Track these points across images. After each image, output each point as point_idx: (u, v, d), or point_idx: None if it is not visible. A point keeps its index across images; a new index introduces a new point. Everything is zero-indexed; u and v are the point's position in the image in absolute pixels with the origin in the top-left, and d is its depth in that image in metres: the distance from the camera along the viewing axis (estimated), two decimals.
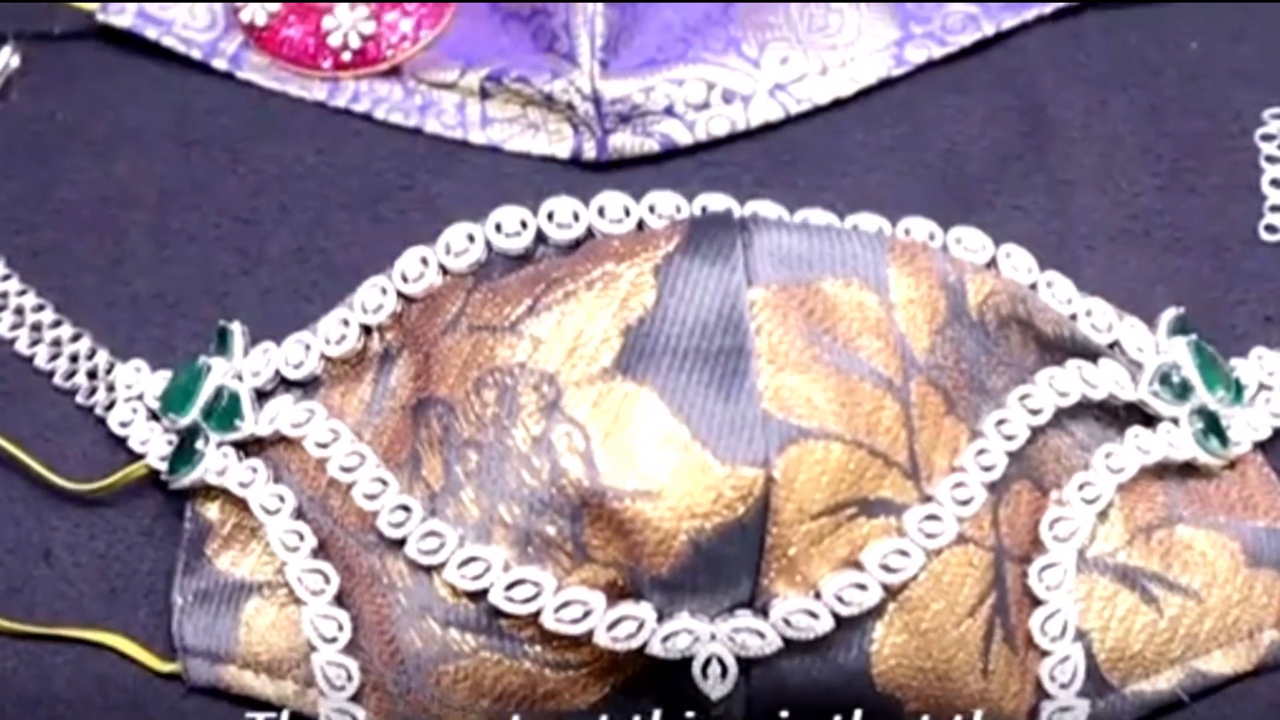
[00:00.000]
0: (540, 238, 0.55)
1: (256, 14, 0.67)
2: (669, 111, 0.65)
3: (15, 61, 0.68)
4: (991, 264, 0.57)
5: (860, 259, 0.53)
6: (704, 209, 0.55)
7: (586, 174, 0.66)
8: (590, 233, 0.55)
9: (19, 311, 0.62)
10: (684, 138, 0.65)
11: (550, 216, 0.55)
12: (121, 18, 0.68)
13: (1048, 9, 0.69)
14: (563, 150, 0.65)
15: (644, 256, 0.52)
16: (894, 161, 0.66)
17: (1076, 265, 0.63)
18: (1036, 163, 0.66)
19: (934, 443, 0.52)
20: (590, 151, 0.65)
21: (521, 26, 0.66)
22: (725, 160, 0.66)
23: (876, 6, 0.68)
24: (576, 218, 0.55)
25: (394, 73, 0.67)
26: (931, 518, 0.51)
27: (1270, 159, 0.66)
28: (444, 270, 0.55)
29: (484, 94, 0.66)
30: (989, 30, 0.68)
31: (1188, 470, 0.57)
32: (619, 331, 0.51)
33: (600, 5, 0.64)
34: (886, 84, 0.68)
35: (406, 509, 0.52)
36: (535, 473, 0.50)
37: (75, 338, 0.62)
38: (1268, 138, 0.66)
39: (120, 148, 0.66)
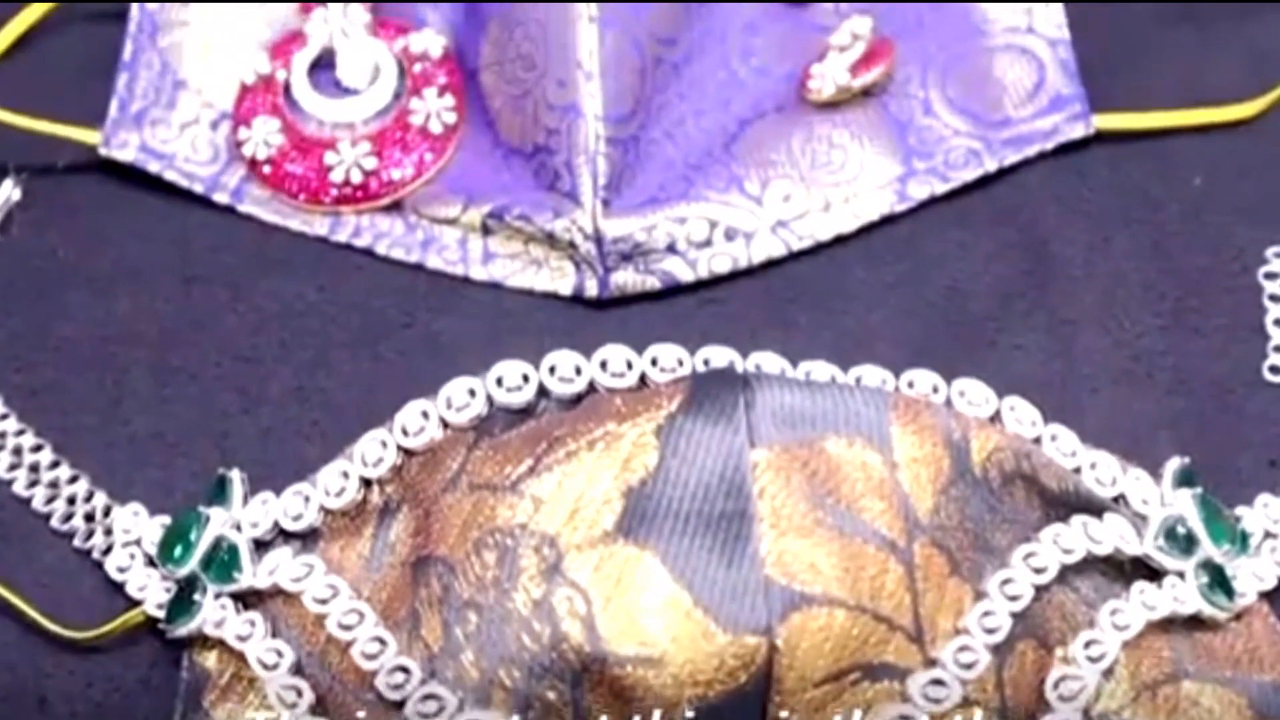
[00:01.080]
0: (542, 391, 0.55)
1: (259, 148, 0.67)
2: (671, 249, 0.65)
3: (17, 194, 0.68)
4: (995, 417, 0.56)
5: (863, 417, 0.52)
6: (706, 362, 0.55)
7: (589, 311, 0.66)
8: (593, 386, 0.55)
9: (17, 452, 0.62)
10: (686, 275, 0.65)
11: (552, 370, 0.55)
12: (124, 151, 0.68)
13: (1050, 145, 0.68)
14: (565, 287, 0.65)
15: (646, 416, 0.51)
16: (896, 299, 0.66)
17: (1079, 408, 0.63)
18: (1039, 301, 0.66)
19: (938, 605, 0.51)
20: (592, 289, 0.65)
21: (524, 163, 0.66)
22: (727, 297, 0.66)
23: (879, 142, 0.68)
24: (579, 371, 0.55)
25: (396, 207, 0.67)
26: (936, 682, 0.51)
27: (1274, 298, 0.65)
28: (445, 424, 0.55)
29: (486, 230, 0.66)
30: (991, 166, 0.68)
31: (1193, 623, 0.57)
32: (620, 494, 0.50)
33: (603, 145, 0.64)
34: (889, 220, 0.68)
35: (405, 670, 0.52)
36: (536, 636, 0.50)
37: (73, 479, 0.61)
38: (1271, 276, 0.66)
39: (121, 284, 0.66)
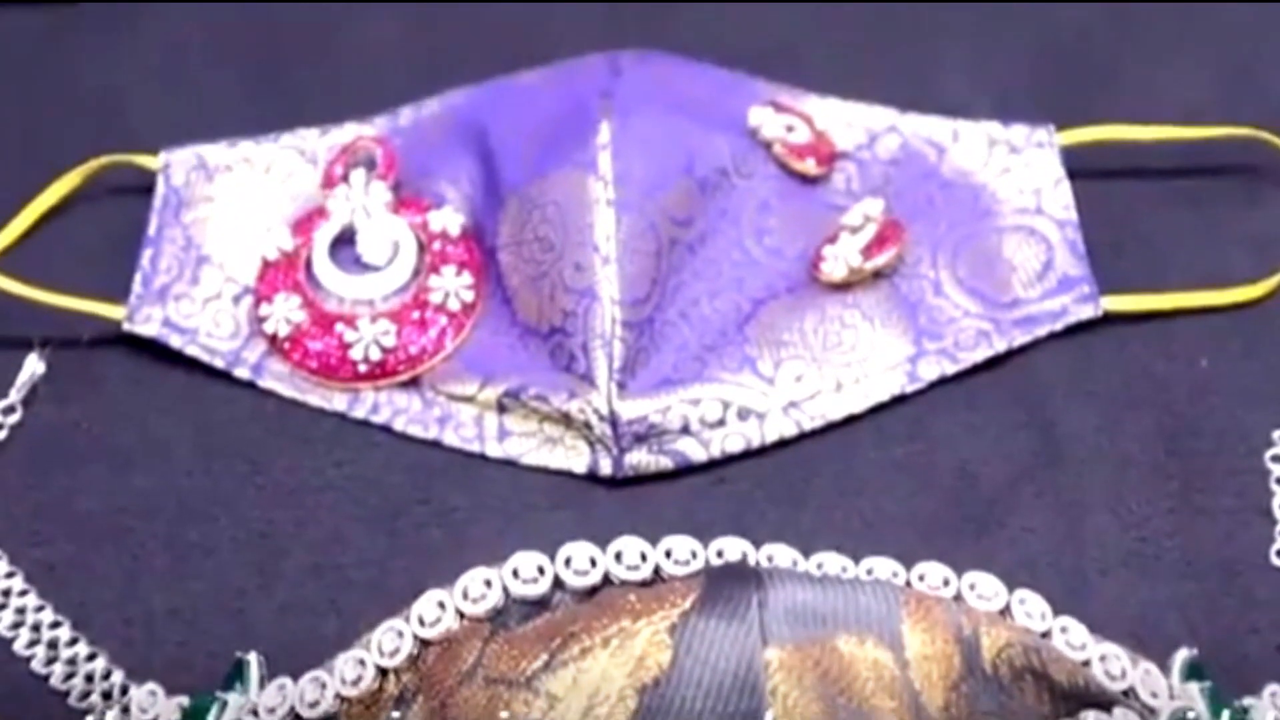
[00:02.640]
0: (557, 583, 0.56)
1: (280, 325, 0.68)
2: (685, 430, 0.66)
3: (41, 368, 0.69)
4: (1005, 610, 0.57)
5: (874, 614, 0.53)
6: (720, 553, 0.56)
7: (603, 489, 0.66)
8: (607, 578, 0.56)
9: (35, 628, 0.63)
10: (699, 455, 0.66)
11: (568, 562, 0.56)
12: (147, 327, 0.69)
13: (1059, 326, 0.69)
14: (579, 466, 0.66)
15: (660, 614, 0.52)
16: (906, 479, 0.67)
17: (1088, 589, 0.63)
18: (1048, 483, 0.66)
19: None
20: (606, 468, 0.66)
21: (540, 343, 0.67)
22: (739, 476, 0.67)
23: (890, 322, 0.69)
24: (593, 563, 0.56)
25: (414, 383, 0.68)
26: None
27: None
28: (461, 615, 0.55)
29: (502, 408, 0.67)
30: (1001, 347, 0.69)
31: None
32: (635, 691, 0.51)
33: (619, 329, 0.65)
34: (900, 400, 0.68)
35: None
36: None
37: (91, 656, 0.62)
38: (1278, 459, 0.67)
39: (140, 458, 0.67)
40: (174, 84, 0.79)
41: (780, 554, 0.56)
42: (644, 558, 0.55)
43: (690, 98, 0.72)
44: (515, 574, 0.55)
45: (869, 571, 0.56)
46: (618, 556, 0.55)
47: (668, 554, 0.55)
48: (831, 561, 0.57)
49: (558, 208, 0.67)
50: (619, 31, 0.80)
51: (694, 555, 0.55)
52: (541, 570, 0.55)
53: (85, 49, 0.80)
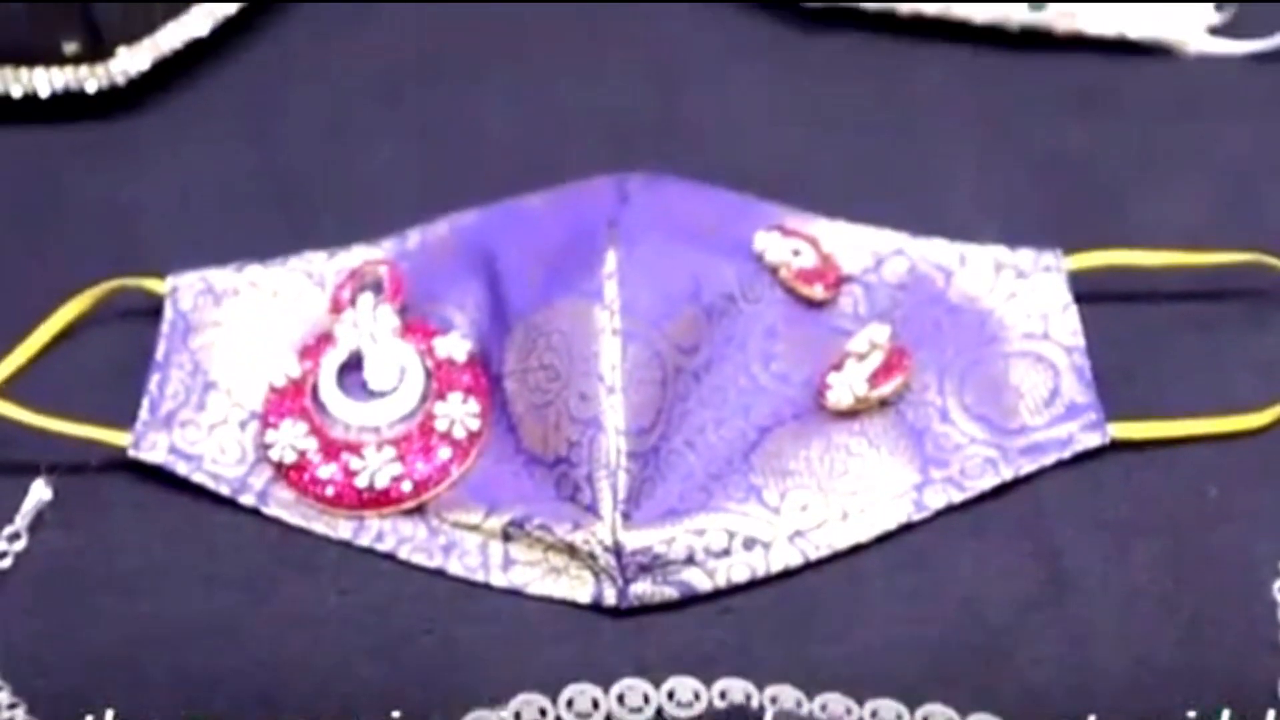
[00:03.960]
0: None
1: (285, 452, 0.68)
2: (689, 560, 0.65)
3: (48, 495, 0.69)
4: None
5: None
6: (723, 694, 0.56)
7: (607, 619, 0.66)
8: None
9: None
10: (704, 584, 0.66)
11: (570, 704, 0.55)
12: (153, 453, 0.69)
13: (1066, 454, 0.69)
14: (584, 595, 0.66)
15: None
16: (913, 610, 0.67)
17: None
18: (1055, 614, 0.66)
19: None
20: (611, 598, 0.66)
21: (545, 472, 0.67)
22: (744, 606, 0.67)
23: (897, 450, 0.69)
24: (596, 705, 0.55)
25: (419, 511, 0.68)
26: None
27: None
28: None
29: (507, 537, 0.67)
30: (1007, 475, 0.69)
31: None
32: None
33: (624, 459, 0.65)
34: (906, 528, 0.68)
35: None
36: None
37: None
38: None
39: (145, 585, 0.67)
40: (184, 205, 0.79)
41: (784, 695, 0.56)
42: (647, 699, 0.55)
43: (697, 223, 0.73)
44: (518, 717, 0.55)
45: (873, 714, 0.56)
46: (620, 699, 0.55)
47: (670, 696, 0.55)
48: (835, 703, 0.56)
49: (563, 337, 0.67)
50: (626, 151, 0.80)
51: (697, 697, 0.55)
52: (544, 712, 0.55)
53: (97, 170, 0.81)
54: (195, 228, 0.78)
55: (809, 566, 0.67)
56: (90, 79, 0.80)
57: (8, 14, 0.78)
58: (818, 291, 0.72)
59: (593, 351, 0.66)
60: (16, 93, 0.80)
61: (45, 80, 0.79)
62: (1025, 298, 0.73)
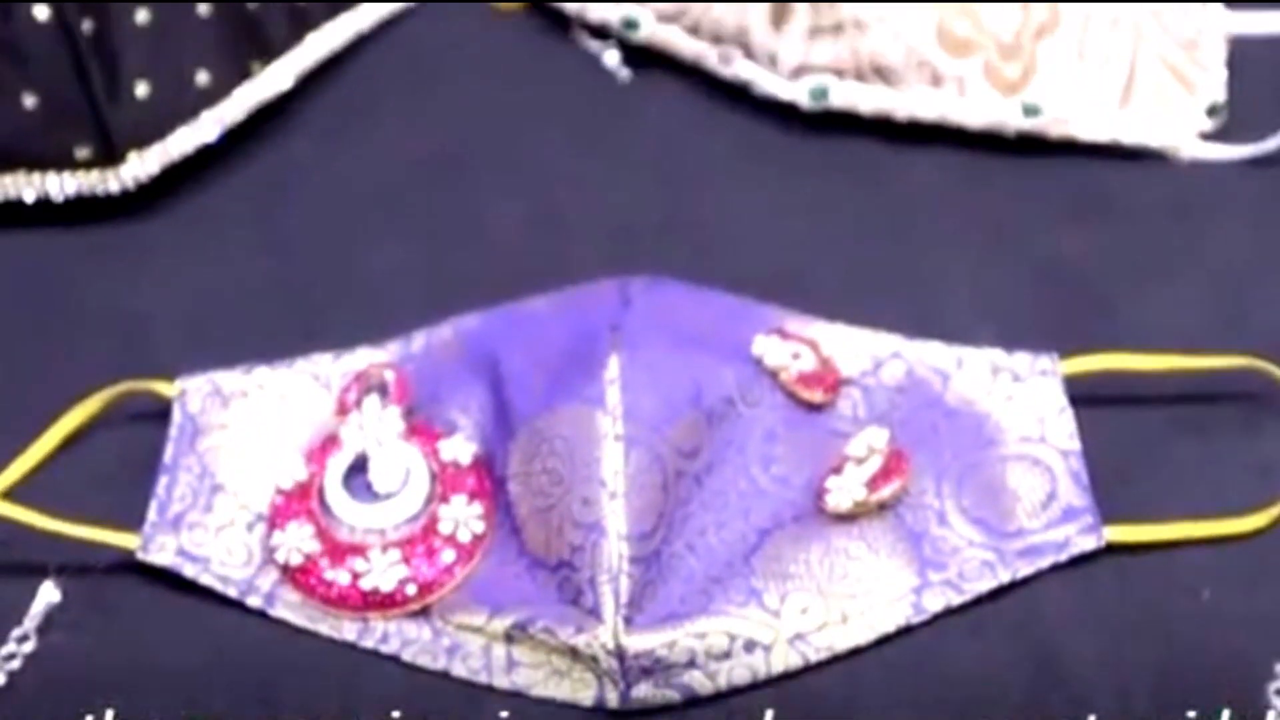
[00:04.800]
0: None
1: (292, 554, 0.69)
2: (691, 663, 0.66)
3: (56, 596, 0.69)
4: None
5: None
6: None
7: None
8: None
9: None
10: (705, 687, 0.67)
11: None
12: (161, 555, 0.70)
13: (1063, 557, 0.70)
14: (586, 698, 0.67)
15: None
16: (913, 712, 0.68)
17: None
18: (1052, 715, 0.67)
19: None
20: (613, 701, 0.66)
21: (548, 575, 0.68)
22: (745, 707, 0.68)
23: (895, 553, 0.70)
24: None
25: (423, 613, 0.69)
26: None
27: None
28: None
29: (510, 640, 0.67)
30: (1005, 578, 0.70)
31: None
32: None
33: (626, 564, 0.66)
34: (905, 631, 0.69)
35: None
36: None
37: None
38: None
39: (153, 688, 0.68)
40: (193, 308, 0.80)
41: None
42: None
43: (697, 327, 0.74)
44: None
45: None
46: None
47: None
48: None
49: (566, 442, 0.68)
50: (628, 252, 0.82)
51: None
52: None
53: (106, 273, 0.82)
54: (204, 330, 0.79)
55: (809, 669, 0.68)
56: (101, 184, 0.81)
57: (22, 119, 0.80)
58: (817, 395, 0.73)
59: (595, 457, 0.68)
60: (29, 197, 0.81)
61: (57, 185, 0.81)
62: (1022, 401, 0.74)
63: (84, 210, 0.83)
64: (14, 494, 0.71)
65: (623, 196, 0.86)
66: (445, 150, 0.88)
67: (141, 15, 0.82)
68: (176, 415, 0.74)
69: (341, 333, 0.78)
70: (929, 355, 0.75)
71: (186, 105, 0.82)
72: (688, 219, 0.85)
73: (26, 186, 0.81)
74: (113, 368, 0.77)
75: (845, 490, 0.70)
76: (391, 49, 0.94)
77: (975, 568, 0.69)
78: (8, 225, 0.83)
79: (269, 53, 0.86)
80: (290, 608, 0.70)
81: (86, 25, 0.80)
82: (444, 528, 0.70)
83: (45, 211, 0.83)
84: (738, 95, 0.89)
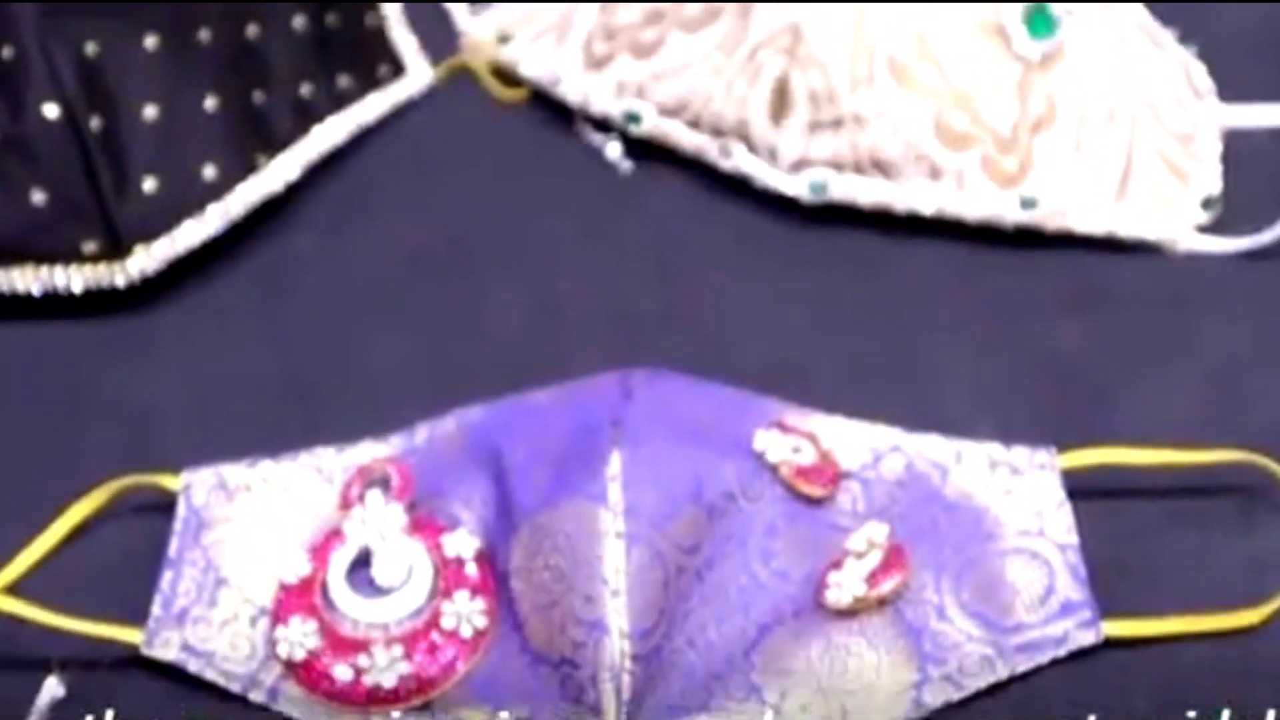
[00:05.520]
0: None
1: (295, 649, 0.70)
2: None
3: (61, 691, 0.70)
4: None
5: None
6: None
7: None
8: None
9: None
10: None
11: None
12: (166, 650, 0.70)
13: (1062, 652, 0.70)
14: None
15: None
16: None
17: None
18: None
19: None
20: None
21: (550, 672, 0.68)
22: None
23: (895, 649, 0.70)
24: None
25: (425, 709, 0.69)
26: None
27: None
28: None
29: None
30: (1004, 673, 0.70)
31: None
32: None
33: (627, 661, 0.66)
34: None
35: None
36: None
37: None
38: None
39: None
40: (198, 400, 0.81)
41: None
42: None
43: (698, 421, 0.74)
44: None
45: None
46: None
47: None
48: None
49: (568, 538, 0.69)
50: (628, 344, 0.82)
51: None
52: None
53: (110, 365, 0.83)
54: (208, 421, 0.80)
55: None
56: (108, 277, 0.81)
57: (31, 214, 0.80)
58: (817, 490, 0.73)
59: (597, 554, 0.68)
60: (36, 290, 0.82)
61: (64, 278, 0.81)
62: (1020, 495, 0.74)
63: (89, 301, 0.83)
64: (18, 588, 0.71)
65: (624, 287, 0.87)
66: (448, 241, 0.89)
67: (149, 111, 0.83)
68: (181, 509, 0.75)
69: (345, 424, 0.78)
70: (928, 448, 0.76)
71: (193, 199, 0.83)
72: (688, 310, 0.86)
73: (34, 280, 0.81)
74: (117, 459, 0.77)
75: (845, 586, 0.70)
76: (395, 139, 0.95)
77: (975, 662, 0.70)
78: (13, 317, 0.84)
79: (274, 146, 0.87)
80: (293, 703, 0.70)
81: (95, 123, 0.81)
82: (447, 623, 0.70)
83: (50, 303, 0.83)
84: (738, 187, 0.90)
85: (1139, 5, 0.93)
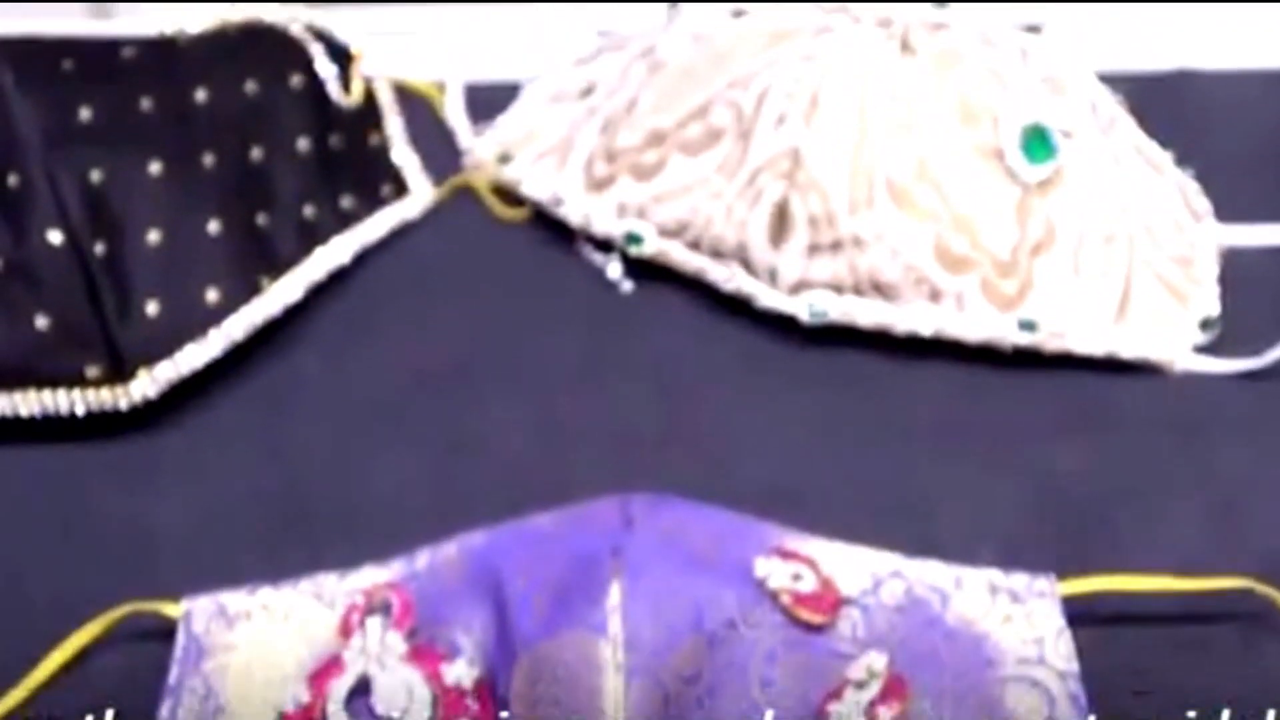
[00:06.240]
0: None
1: None
2: None
3: None
4: None
5: None
6: None
7: None
8: None
9: None
10: None
11: None
12: None
13: None
14: None
15: None
16: None
17: None
18: None
19: None
20: None
21: None
22: None
23: None
24: None
25: None
26: None
27: None
28: None
29: None
30: None
31: None
32: None
33: None
34: None
35: None
36: None
37: None
38: None
39: None
40: (199, 525, 0.81)
41: None
42: None
43: (699, 548, 0.74)
44: None
45: None
46: None
47: None
48: None
49: (568, 669, 0.69)
50: (629, 465, 0.83)
51: None
52: None
53: (112, 489, 0.83)
54: (209, 546, 0.80)
55: None
56: (111, 401, 0.82)
57: (34, 339, 0.81)
58: (817, 617, 0.73)
59: (597, 686, 0.68)
60: (38, 413, 0.82)
61: (67, 402, 0.82)
62: (1020, 622, 0.74)
63: (90, 422, 0.84)
64: (17, 716, 0.71)
65: (625, 407, 0.87)
66: (450, 360, 0.89)
67: (153, 236, 0.83)
68: (181, 636, 0.75)
69: (347, 547, 0.79)
70: (928, 574, 0.76)
71: (196, 323, 0.84)
72: (689, 430, 0.86)
73: (36, 404, 0.82)
74: (117, 585, 0.77)
75: (845, 716, 0.70)
76: (397, 257, 0.95)
77: None
78: (14, 440, 0.84)
79: (278, 268, 0.88)
80: None
81: (99, 248, 0.81)
82: None
83: (52, 424, 0.83)
84: (739, 306, 0.90)
85: (1136, 128, 0.93)
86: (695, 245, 0.90)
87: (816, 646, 0.74)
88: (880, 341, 0.89)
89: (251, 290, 0.86)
